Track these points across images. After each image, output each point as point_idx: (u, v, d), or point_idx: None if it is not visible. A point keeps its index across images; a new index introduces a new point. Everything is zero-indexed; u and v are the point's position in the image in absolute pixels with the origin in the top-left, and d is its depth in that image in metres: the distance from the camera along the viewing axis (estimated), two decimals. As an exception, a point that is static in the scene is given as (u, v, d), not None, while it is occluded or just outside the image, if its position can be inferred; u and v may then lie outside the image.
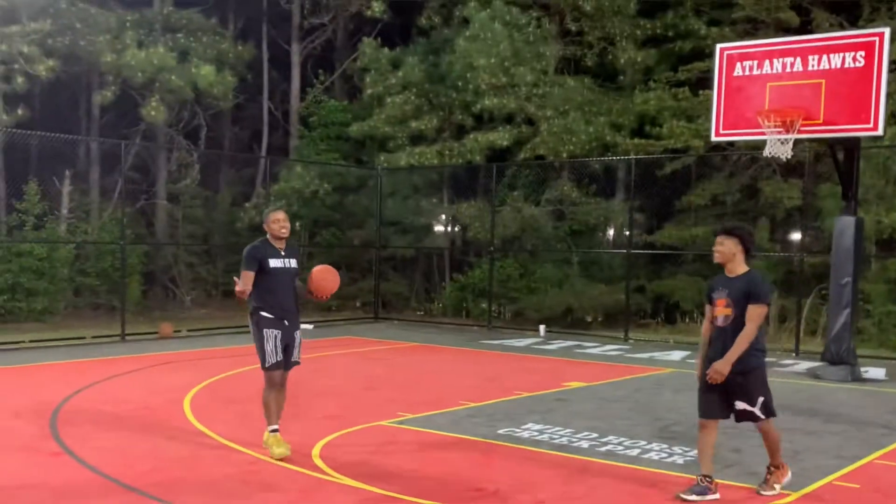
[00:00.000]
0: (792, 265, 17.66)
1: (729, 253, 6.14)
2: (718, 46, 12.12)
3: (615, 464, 7.15)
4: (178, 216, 21.29)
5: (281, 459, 6.94)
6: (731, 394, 6.12)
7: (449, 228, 22.70)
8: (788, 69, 11.18)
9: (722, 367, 5.99)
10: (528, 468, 6.91)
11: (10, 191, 19.50)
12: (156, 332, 15.62)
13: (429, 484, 6.41)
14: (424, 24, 22.91)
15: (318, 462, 6.93)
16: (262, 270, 7.21)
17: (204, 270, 21.48)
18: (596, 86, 21.41)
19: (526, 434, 8.14)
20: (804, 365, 13.47)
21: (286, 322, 7.33)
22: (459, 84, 20.56)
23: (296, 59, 25.06)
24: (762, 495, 6.31)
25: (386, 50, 22.08)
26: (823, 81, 10.94)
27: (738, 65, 11.63)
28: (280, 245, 7.35)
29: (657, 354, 14.83)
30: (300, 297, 7.46)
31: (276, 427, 7.26)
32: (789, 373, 13.04)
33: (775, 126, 10.75)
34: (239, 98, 24.10)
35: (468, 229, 21.81)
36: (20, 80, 16.56)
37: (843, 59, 10.80)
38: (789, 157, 11.09)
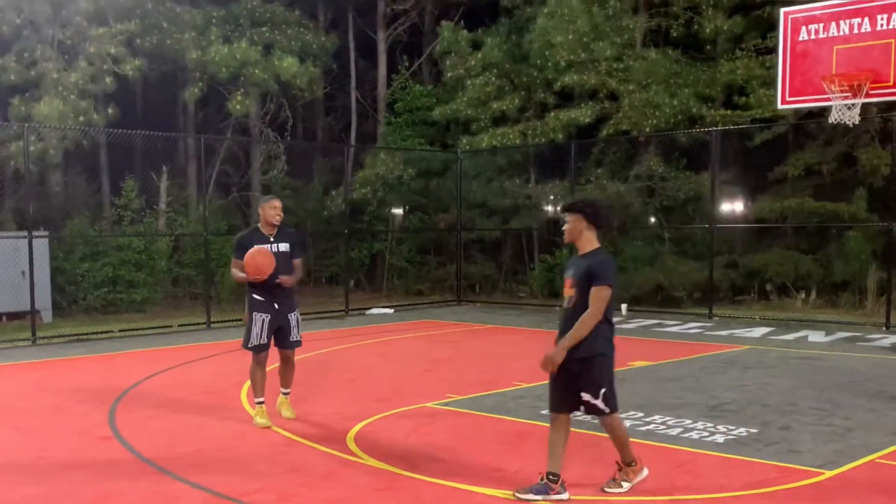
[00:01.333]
0: (891, 236, 16.84)
1: (575, 231, 5.54)
2: (783, 10, 11.64)
3: (650, 443, 7.04)
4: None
5: (292, 433, 7.14)
6: (577, 384, 5.55)
7: (536, 209, 22.54)
8: (856, 30, 10.64)
9: (554, 354, 5.44)
10: (557, 448, 6.87)
11: (111, 188, 20.47)
12: (241, 320, 16.12)
13: (452, 465, 6.46)
14: (507, 4, 22.78)
15: (351, 444, 7.07)
16: None
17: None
18: (683, 57, 20.85)
19: (578, 416, 8.06)
20: (891, 339, 12.87)
21: (277, 305, 7.63)
22: (539, 62, 20.38)
23: (382, 47, 25.31)
24: (606, 492, 5.72)
25: (465, 32, 22.04)
26: (893, 41, 10.37)
27: (804, 28, 11.16)
28: (270, 231, 7.66)
29: (738, 331, 14.42)
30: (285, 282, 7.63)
31: (261, 400, 7.79)
32: (874, 347, 12.49)
33: (841, 91, 10.26)
34: (326, 88, 24.59)
35: (553, 208, 21.65)
36: (108, 80, 17.30)
37: (915, 16, 10.22)
38: (856, 122, 10.58)
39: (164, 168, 20.24)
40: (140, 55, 18.31)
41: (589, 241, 5.56)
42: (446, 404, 8.60)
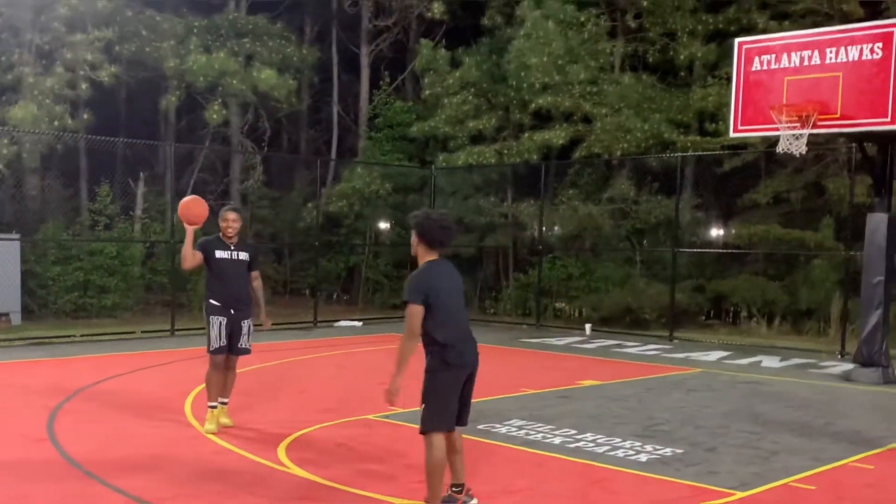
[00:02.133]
0: (851, 265, 17.06)
1: (413, 247, 5.64)
2: (737, 41, 11.87)
3: (573, 459, 7.20)
4: (246, 216, 22.04)
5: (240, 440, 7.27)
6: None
7: (511, 227, 22.74)
8: (806, 62, 10.86)
9: (390, 383, 5.42)
10: (482, 462, 7.02)
11: (88, 193, 20.59)
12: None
13: (376, 476, 6.60)
14: (488, 24, 23.05)
15: (282, 453, 7.20)
16: (208, 262, 7.85)
17: (271, 269, 22.14)
18: (658, 82, 21.14)
19: (504, 430, 8.25)
20: (844, 367, 13.05)
21: (232, 311, 7.91)
22: (515, 83, 20.64)
23: (365, 62, 25.55)
24: None
25: (443, 51, 22.30)
26: (840, 74, 10.59)
27: (757, 59, 11.37)
28: (230, 240, 7.91)
29: (695, 355, 14.60)
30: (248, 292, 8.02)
31: (214, 404, 7.97)
32: (824, 374, 12.68)
33: (789, 122, 10.48)
34: (305, 101, 24.82)
35: (527, 228, 21.87)
36: (84, 86, 17.45)
37: (861, 51, 10.43)
38: (803, 152, 10.79)
39: (142, 175, 20.40)
40: (118, 62, 18.47)
41: (423, 257, 5.58)
42: (388, 416, 8.73)
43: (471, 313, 20.45)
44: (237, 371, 8.35)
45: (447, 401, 5.56)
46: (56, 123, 16.75)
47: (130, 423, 8.24)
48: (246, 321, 8.07)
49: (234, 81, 19.47)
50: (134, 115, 23.44)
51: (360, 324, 18.00)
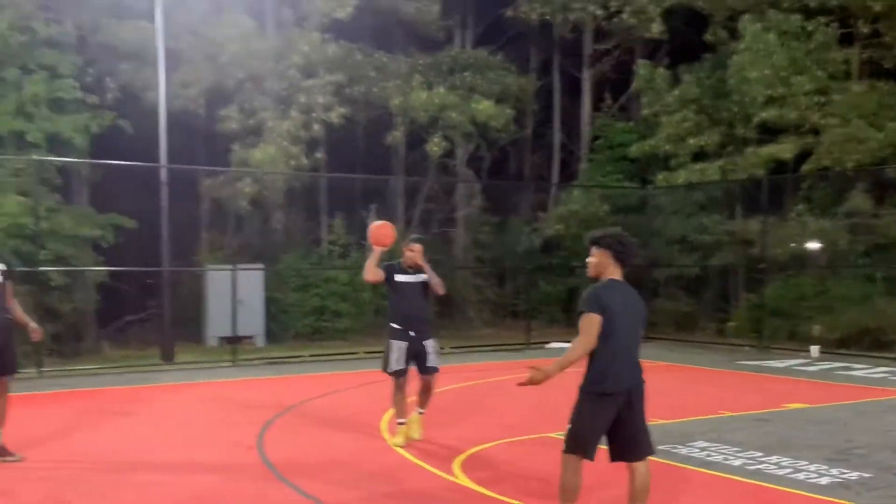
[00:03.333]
0: None
1: (600, 265, 5.45)
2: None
3: (747, 481, 7.06)
4: (468, 242, 22.90)
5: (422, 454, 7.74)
6: None
7: (736, 246, 21.96)
8: None
9: (543, 368, 5.34)
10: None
11: (328, 225, 22.23)
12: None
13: (539, 492, 6.81)
14: (711, 39, 22.55)
15: (456, 466, 7.60)
16: (389, 283, 8.37)
17: (491, 292, 22.81)
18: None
19: (684, 451, 8.17)
20: None
21: (412, 333, 8.32)
22: (737, 97, 20.06)
23: (586, 86, 25.75)
24: None
25: (662, 70, 22.08)
26: None
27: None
28: (412, 266, 8.41)
29: (929, 378, 13.50)
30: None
31: (402, 421, 8.44)
32: None
33: None
34: (529, 127, 25.41)
35: (754, 245, 21.03)
36: (316, 127, 18.96)
37: None
38: None
39: (373, 206, 21.74)
40: (348, 103, 19.89)
41: (604, 275, 5.44)
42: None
43: (694, 335, 20.38)
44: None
45: (593, 425, 5.43)
46: (292, 163, 18.32)
47: (328, 435, 8.99)
48: (428, 341, 8.43)
49: (454, 114, 20.35)
50: (366, 150, 25.01)
51: (567, 345, 18.11)
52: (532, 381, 5.30)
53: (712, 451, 8.17)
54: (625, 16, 22.89)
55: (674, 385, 12.85)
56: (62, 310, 16.10)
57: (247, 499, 6.63)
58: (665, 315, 21.74)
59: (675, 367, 14.98)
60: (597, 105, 25.57)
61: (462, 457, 7.96)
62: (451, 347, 17.44)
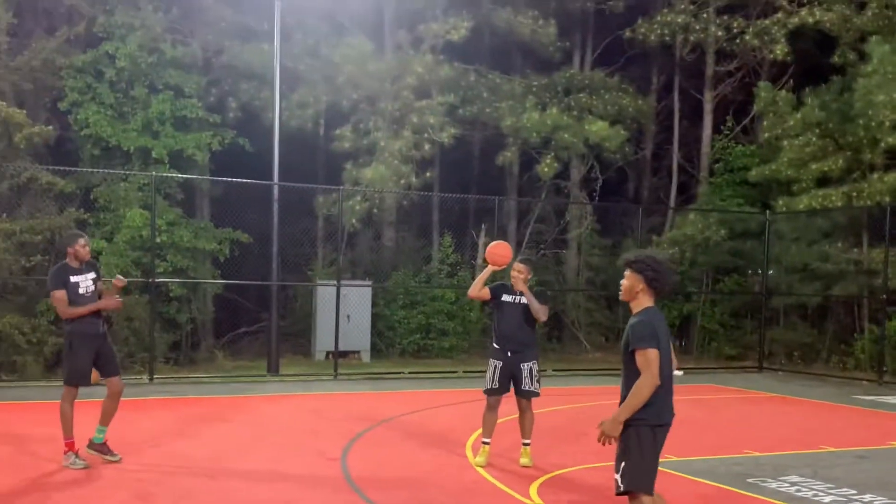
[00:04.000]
0: None
1: (631, 290, 5.29)
2: None
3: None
4: (578, 264, 22.66)
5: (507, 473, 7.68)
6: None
7: (861, 276, 20.95)
8: None
9: (607, 427, 5.19)
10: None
11: (431, 243, 22.44)
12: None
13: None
14: (838, 62, 21.70)
15: (533, 489, 7.52)
16: (495, 303, 8.45)
17: (601, 315, 22.47)
18: None
19: (773, 486, 7.85)
20: None
21: (509, 353, 8.30)
22: (862, 121, 19.21)
23: (707, 108, 25.17)
24: None
25: (783, 92, 21.37)
26: None
27: None
28: (517, 289, 8.32)
29: None
30: None
31: (487, 440, 8.43)
32: None
33: None
34: (643, 149, 25.02)
35: (879, 276, 20.00)
36: (427, 146, 19.18)
37: None
38: None
39: (483, 226, 21.81)
40: (459, 123, 20.06)
41: (641, 302, 5.29)
42: (656, 463, 8.67)
43: (813, 366, 19.55)
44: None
45: (653, 459, 5.30)
46: (402, 182, 18.58)
47: (412, 450, 9.04)
48: (526, 364, 8.34)
49: (567, 135, 20.22)
50: (481, 170, 25.12)
51: (680, 373, 17.63)
52: (607, 435, 5.18)
53: (803, 486, 7.82)
54: (747, 37, 22.29)
55: (778, 417, 12.37)
56: (179, 320, 16.78)
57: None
58: (782, 345, 20.97)
59: (786, 399, 14.42)
60: (718, 127, 24.96)
61: (542, 479, 7.89)
62: (553, 370, 17.27)
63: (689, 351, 22.28)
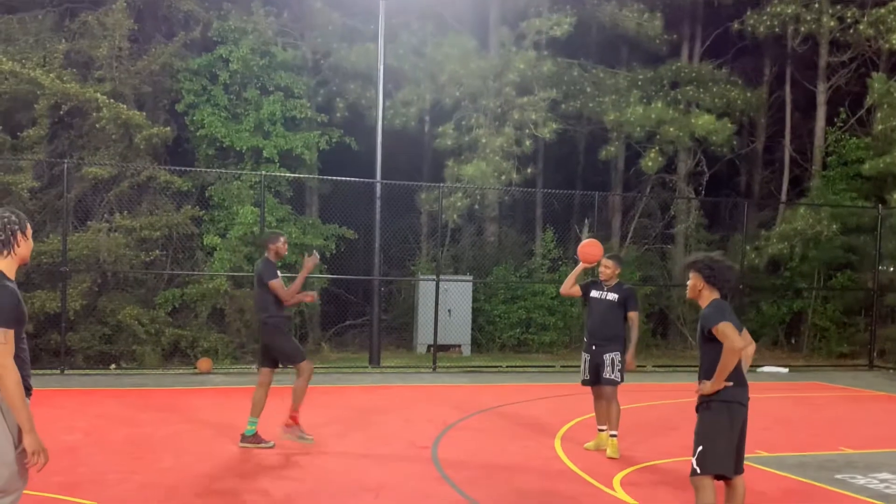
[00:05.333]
0: None
1: (694, 289, 5.82)
2: None
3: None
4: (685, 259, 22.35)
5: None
6: None
7: None
8: None
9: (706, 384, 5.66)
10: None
11: (534, 238, 22.56)
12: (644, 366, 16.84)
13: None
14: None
15: (616, 479, 7.66)
16: (585, 298, 8.90)
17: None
18: None
19: (862, 482, 7.78)
20: None
21: (594, 346, 8.72)
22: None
23: (821, 99, 24.44)
24: None
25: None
26: None
27: None
28: (606, 283, 8.81)
29: None
30: None
31: (601, 428, 8.90)
32: None
33: None
34: (755, 142, 24.50)
35: None
36: (528, 142, 19.31)
37: None
38: None
39: (587, 220, 21.79)
40: (561, 118, 20.13)
41: (706, 297, 5.75)
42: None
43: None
44: (622, 405, 8.87)
45: (731, 438, 5.59)
46: (502, 178, 18.79)
47: (501, 440, 9.27)
48: (608, 355, 8.66)
49: (672, 129, 20.03)
50: (585, 165, 25.09)
51: (785, 370, 17.31)
52: (704, 391, 5.61)
53: (893, 483, 7.70)
54: (861, 27, 21.56)
55: (881, 416, 12.10)
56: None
57: (405, 491, 7.05)
58: (895, 344, 20.26)
59: (892, 399, 14.03)
60: (831, 119, 24.21)
61: (627, 471, 8.00)
62: (653, 366, 17.19)
63: (799, 348, 21.74)
